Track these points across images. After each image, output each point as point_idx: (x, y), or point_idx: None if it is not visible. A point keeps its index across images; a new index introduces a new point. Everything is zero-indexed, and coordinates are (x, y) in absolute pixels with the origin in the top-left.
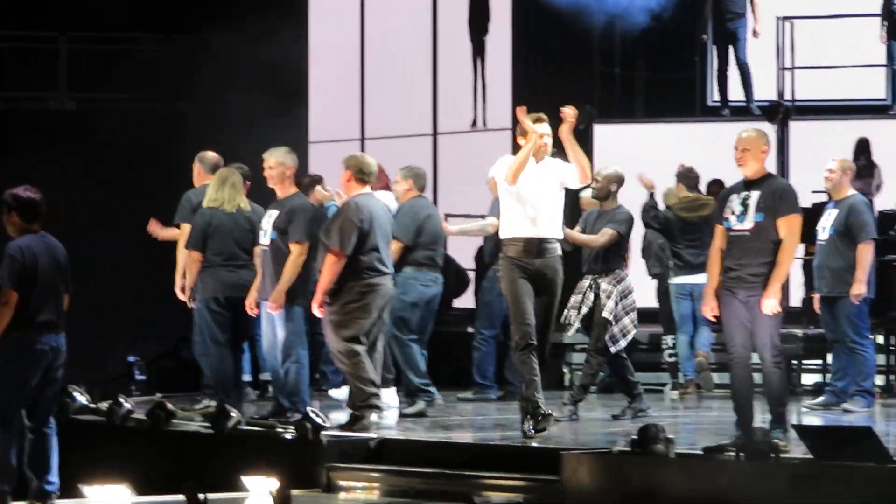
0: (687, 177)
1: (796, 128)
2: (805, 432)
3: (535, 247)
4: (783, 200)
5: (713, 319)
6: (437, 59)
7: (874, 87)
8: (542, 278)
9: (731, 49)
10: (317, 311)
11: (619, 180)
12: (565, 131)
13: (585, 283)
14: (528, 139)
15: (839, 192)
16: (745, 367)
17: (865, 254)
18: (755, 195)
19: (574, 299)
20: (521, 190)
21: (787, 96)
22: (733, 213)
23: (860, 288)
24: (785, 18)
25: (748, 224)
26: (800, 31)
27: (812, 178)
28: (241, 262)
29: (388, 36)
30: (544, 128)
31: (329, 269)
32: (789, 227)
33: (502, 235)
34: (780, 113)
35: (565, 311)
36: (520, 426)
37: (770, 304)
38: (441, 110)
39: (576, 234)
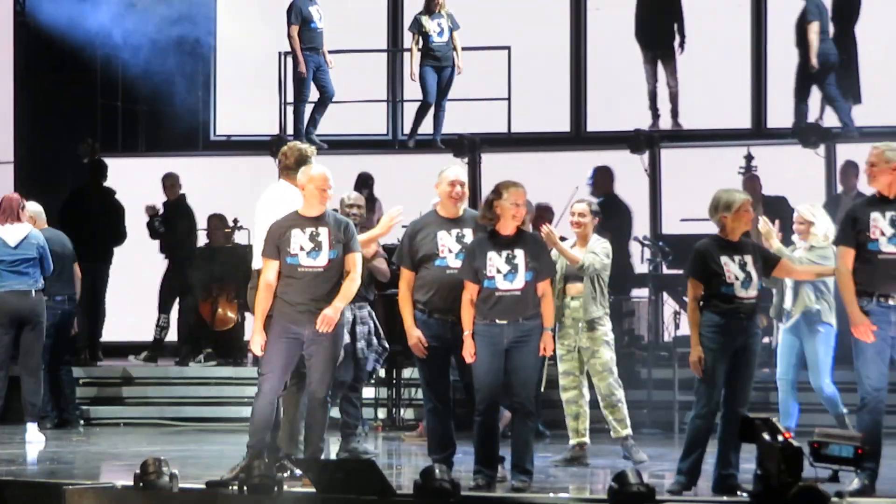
0: None
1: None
2: (308, 465)
3: None
4: (350, 236)
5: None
6: None
7: (377, 123)
8: None
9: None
10: None
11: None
12: None
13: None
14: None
15: None
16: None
17: None
18: (324, 231)
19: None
20: None
21: (290, 131)
22: (303, 249)
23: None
24: (287, 53)
25: (322, 261)
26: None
27: None
28: None
29: None
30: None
31: None
32: (354, 262)
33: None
34: (275, 145)
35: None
36: None
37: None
38: None
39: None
